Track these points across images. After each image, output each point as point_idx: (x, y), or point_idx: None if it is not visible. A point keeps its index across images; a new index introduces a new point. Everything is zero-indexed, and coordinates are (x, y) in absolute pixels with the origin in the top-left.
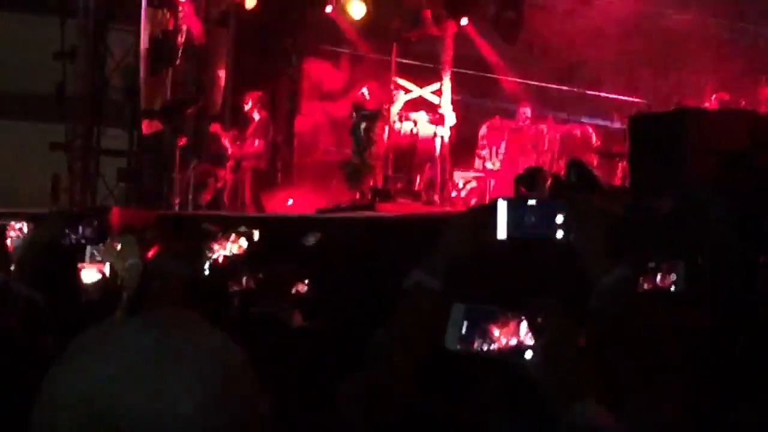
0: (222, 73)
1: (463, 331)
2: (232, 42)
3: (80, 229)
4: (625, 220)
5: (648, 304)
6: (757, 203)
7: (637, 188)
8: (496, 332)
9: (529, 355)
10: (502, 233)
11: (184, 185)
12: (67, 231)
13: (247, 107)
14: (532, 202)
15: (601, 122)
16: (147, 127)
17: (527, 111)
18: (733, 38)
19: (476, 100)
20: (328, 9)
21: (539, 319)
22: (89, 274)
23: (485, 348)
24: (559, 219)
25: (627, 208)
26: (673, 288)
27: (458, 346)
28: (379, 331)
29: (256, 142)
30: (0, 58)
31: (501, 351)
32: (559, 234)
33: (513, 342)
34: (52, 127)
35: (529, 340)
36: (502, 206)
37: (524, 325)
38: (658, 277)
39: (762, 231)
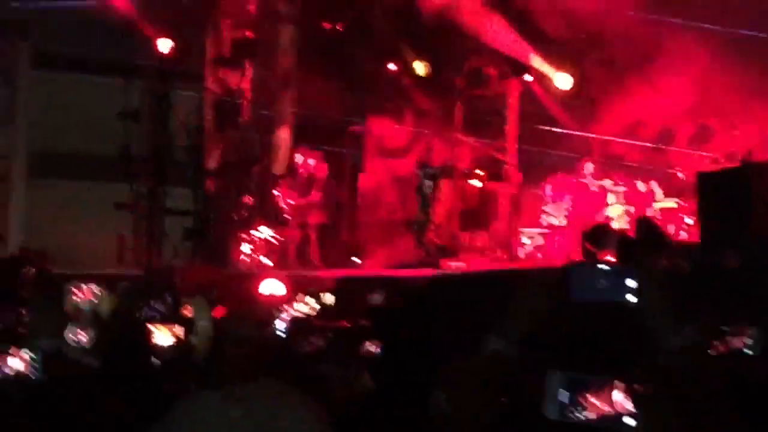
0: (286, 132)
1: (564, 400)
2: (295, 100)
3: (151, 299)
4: (693, 278)
5: (717, 365)
6: None
7: (705, 244)
8: (594, 400)
9: (629, 421)
10: (574, 297)
11: (249, 244)
12: (137, 301)
13: (309, 166)
14: (602, 266)
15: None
16: (211, 186)
17: (590, 166)
18: None
19: (541, 156)
20: (392, 67)
21: (637, 386)
22: (159, 337)
23: (586, 416)
24: (629, 283)
25: (695, 265)
26: (747, 350)
27: (560, 416)
28: (439, 393)
29: (320, 199)
30: (65, 120)
31: (601, 418)
32: (629, 297)
33: (610, 409)
34: (117, 186)
35: (627, 407)
36: (573, 271)
37: (619, 392)
38: (732, 339)
39: None
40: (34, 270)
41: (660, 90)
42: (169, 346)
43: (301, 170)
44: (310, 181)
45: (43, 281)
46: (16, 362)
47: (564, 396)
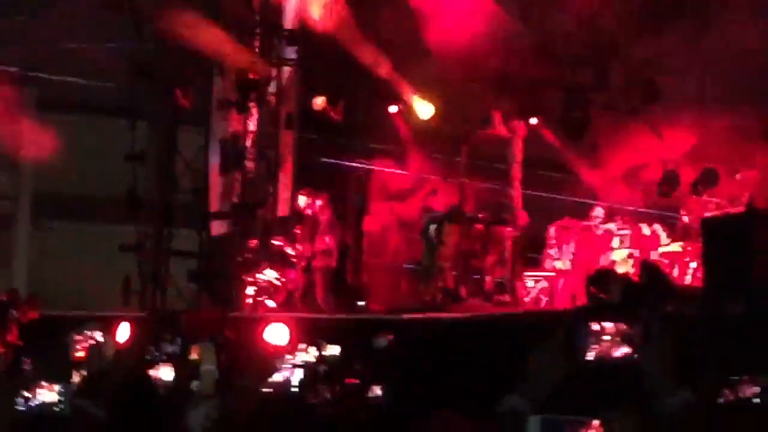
0: (289, 175)
1: None
2: (299, 143)
3: (155, 342)
4: (696, 325)
5: (710, 426)
6: None
7: (709, 289)
8: None
9: None
10: (584, 356)
11: (254, 287)
12: (142, 345)
13: (313, 208)
14: (608, 325)
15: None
16: (216, 228)
17: (600, 210)
18: None
19: (545, 199)
20: (393, 109)
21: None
22: (163, 377)
23: None
24: (632, 341)
25: (699, 310)
26: (757, 400)
27: None
28: None
29: (327, 239)
30: (70, 161)
31: None
32: (633, 355)
33: None
34: (122, 228)
35: None
36: (581, 329)
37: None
38: (741, 388)
39: None
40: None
41: (663, 134)
42: (173, 390)
43: (305, 213)
44: (315, 224)
45: (40, 325)
46: (46, 395)
47: None
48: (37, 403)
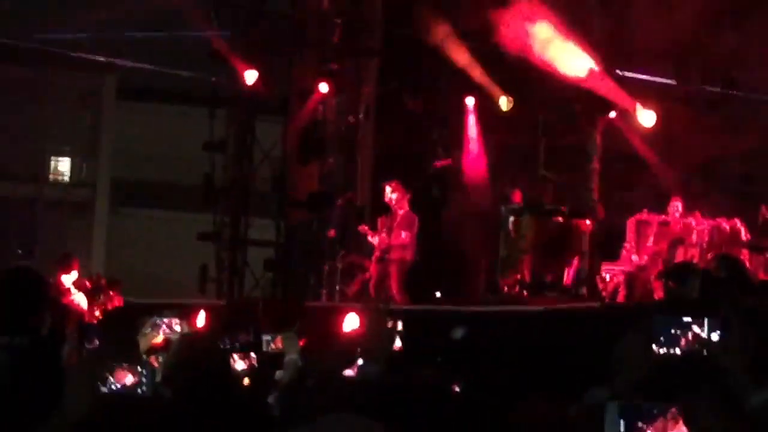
0: (369, 165)
1: (621, 429)
2: (379, 133)
3: (233, 331)
4: None
5: None
6: None
7: None
8: (652, 428)
9: None
10: (665, 350)
11: (331, 276)
12: (219, 333)
13: (388, 197)
14: (687, 319)
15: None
16: (294, 217)
17: (678, 205)
18: None
19: (624, 192)
20: (470, 101)
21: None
22: (240, 366)
23: None
24: (713, 337)
25: None
26: None
27: None
28: None
29: (403, 234)
30: (150, 149)
31: None
32: (714, 351)
33: None
34: (200, 217)
35: None
36: (660, 324)
37: (676, 419)
38: None
39: None
40: (105, 299)
41: (741, 128)
42: (251, 379)
43: (384, 203)
44: (393, 215)
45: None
46: (129, 378)
47: (621, 425)
48: (120, 385)
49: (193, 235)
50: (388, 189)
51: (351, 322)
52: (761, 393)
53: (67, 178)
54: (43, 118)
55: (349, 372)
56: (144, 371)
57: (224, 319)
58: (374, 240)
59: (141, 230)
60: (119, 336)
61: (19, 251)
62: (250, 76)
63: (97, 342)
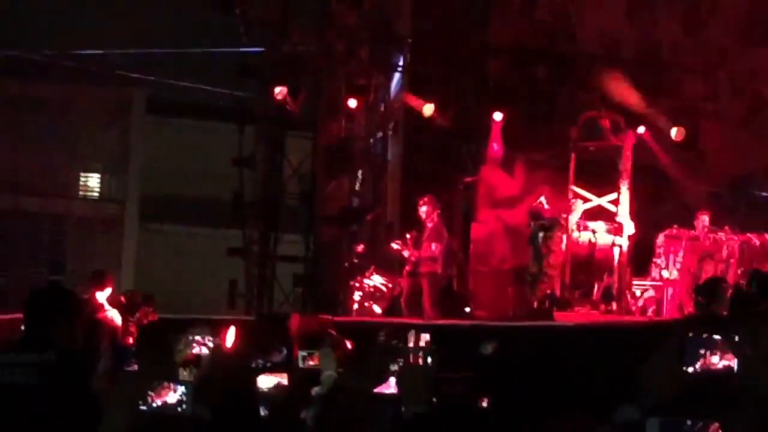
0: (398, 180)
1: None
2: (407, 149)
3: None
4: None
5: None
6: None
7: None
8: None
9: None
10: (695, 366)
11: (360, 291)
12: (251, 349)
13: (421, 213)
14: (717, 337)
15: None
16: (324, 233)
17: (705, 219)
18: None
19: (654, 208)
20: (498, 116)
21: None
22: (268, 385)
23: None
24: (742, 351)
25: None
26: None
27: None
28: None
29: (433, 246)
30: (179, 164)
31: None
32: (739, 368)
33: None
34: (228, 232)
35: None
36: (690, 343)
37: None
38: None
39: None
40: (140, 315)
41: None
42: (285, 397)
43: (414, 218)
44: (423, 230)
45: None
46: (170, 396)
47: None
48: (161, 403)
49: (222, 251)
50: (421, 204)
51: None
52: None
53: (96, 194)
54: (73, 134)
55: (382, 389)
56: (184, 389)
57: (254, 335)
58: (406, 253)
59: (170, 246)
60: (155, 352)
61: (49, 268)
62: (279, 92)
63: (134, 364)
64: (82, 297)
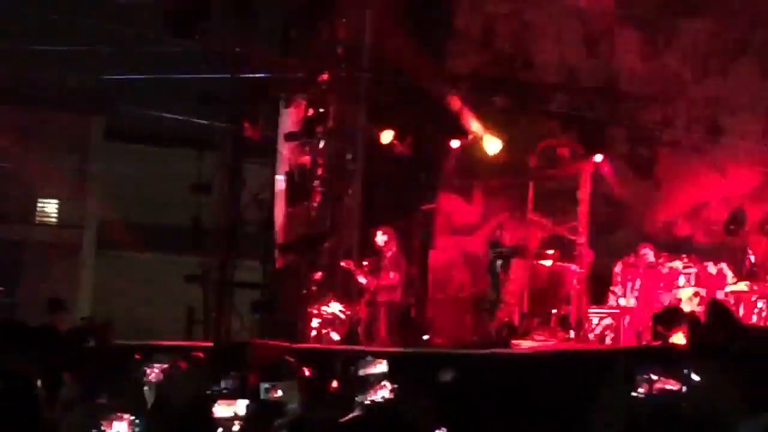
0: (356, 208)
1: None
2: (366, 176)
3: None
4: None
5: None
6: None
7: None
8: None
9: None
10: (642, 396)
11: (319, 318)
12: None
13: (379, 242)
14: (669, 365)
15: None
16: (282, 260)
17: (648, 251)
18: None
19: (611, 236)
20: (455, 144)
21: None
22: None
23: None
24: (697, 380)
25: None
26: None
27: None
28: None
29: (391, 275)
30: (137, 191)
31: None
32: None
33: None
34: (188, 259)
35: None
36: (641, 369)
37: None
38: None
39: None
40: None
41: (727, 172)
42: (243, 426)
43: (376, 245)
44: (381, 256)
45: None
46: (122, 426)
47: None
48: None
49: (180, 277)
50: (379, 234)
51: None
52: (748, 425)
53: (54, 220)
54: (31, 160)
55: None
56: (136, 419)
57: (212, 362)
58: (362, 279)
59: (128, 272)
60: (111, 379)
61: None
62: (238, 120)
63: (93, 389)
64: (41, 325)
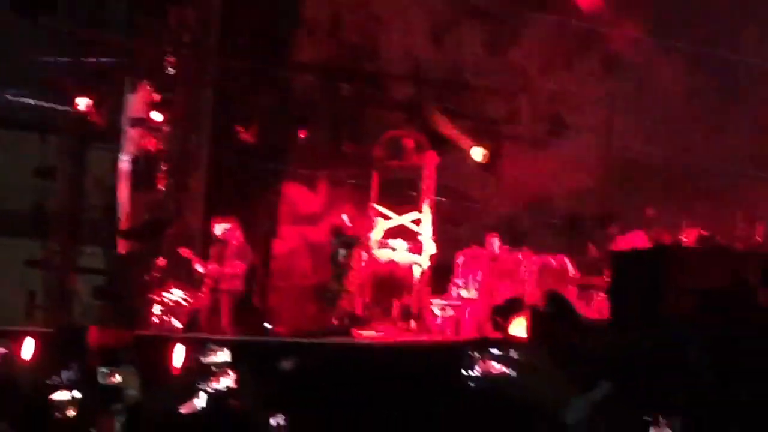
0: (200, 195)
1: None
2: (211, 164)
3: (63, 361)
4: (603, 356)
5: None
6: (733, 342)
7: (617, 323)
8: None
9: None
10: (472, 384)
11: (160, 306)
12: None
13: (217, 232)
14: (493, 350)
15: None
16: (124, 246)
17: (495, 242)
18: (708, 174)
19: (455, 228)
20: (304, 133)
21: None
22: (61, 400)
23: None
24: (521, 363)
25: (606, 345)
26: None
27: None
28: None
29: (235, 263)
30: None
31: None
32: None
33: None
34: (29, 243)
35: None
36: (469, 357)
37: None
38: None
39: (738, 370)
40: None
41: (568, 167)
42: (81, 412)
43: (215, 235)
44: (224, 246)
45: None
46: None
47: None
48: None
49: (21, 261)
50: (217, 225)
51: (179, 355)
52: (572, 414)
53: None
54: None
55: (187, 408)
56: None
57: (52, 348)
58: (200, 268)
59: None
60: None
61: None
62: (83, 104)
63: None
64: None
